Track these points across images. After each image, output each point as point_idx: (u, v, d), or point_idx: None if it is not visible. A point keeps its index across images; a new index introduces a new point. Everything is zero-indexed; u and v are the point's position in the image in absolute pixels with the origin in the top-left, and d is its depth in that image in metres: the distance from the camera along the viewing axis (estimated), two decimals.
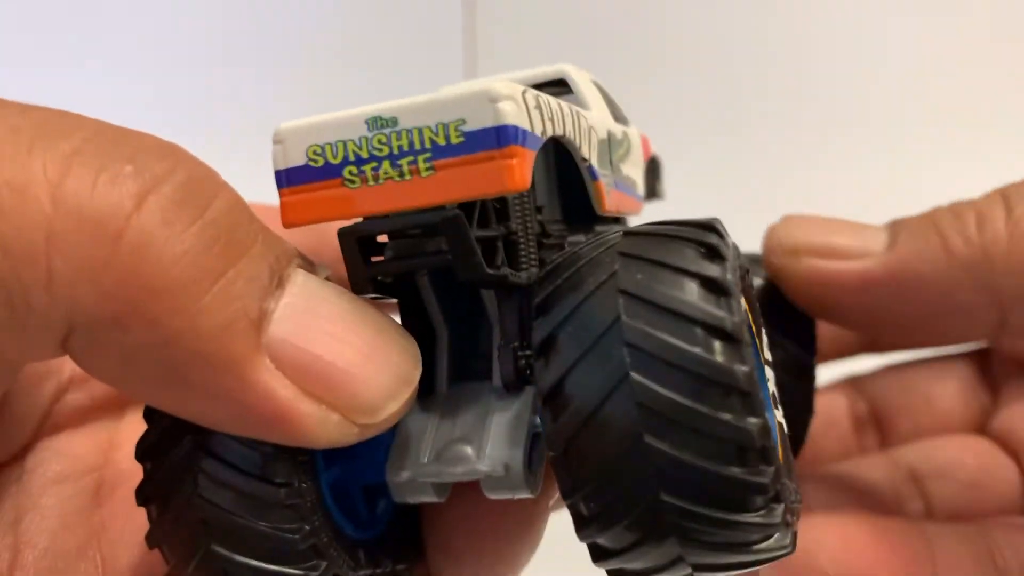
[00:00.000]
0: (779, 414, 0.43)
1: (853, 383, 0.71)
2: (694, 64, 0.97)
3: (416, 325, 0.45)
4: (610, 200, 0.50)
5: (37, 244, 0.32)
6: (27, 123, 0.34)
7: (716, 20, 1.01)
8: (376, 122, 0.39)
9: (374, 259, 0.42)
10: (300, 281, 0.39)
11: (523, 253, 0.44)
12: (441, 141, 0.38)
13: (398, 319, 0.46)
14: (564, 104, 0.44)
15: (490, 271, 0.40)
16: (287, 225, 0.40)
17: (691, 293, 0.35)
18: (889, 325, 0.59)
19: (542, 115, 0.41)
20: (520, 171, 0.38)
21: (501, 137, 0.37)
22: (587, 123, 0.47)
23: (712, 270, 0.36)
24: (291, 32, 1.00)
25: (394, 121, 0.39)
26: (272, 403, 0.36)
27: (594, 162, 0.48)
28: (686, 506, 0.34)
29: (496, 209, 0.43)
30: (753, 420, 0.34)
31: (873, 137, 1.00)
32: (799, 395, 0.61)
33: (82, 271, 0.33)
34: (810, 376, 0.62)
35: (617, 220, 0.53)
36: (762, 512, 0.34)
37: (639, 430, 0.34)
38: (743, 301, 0.41)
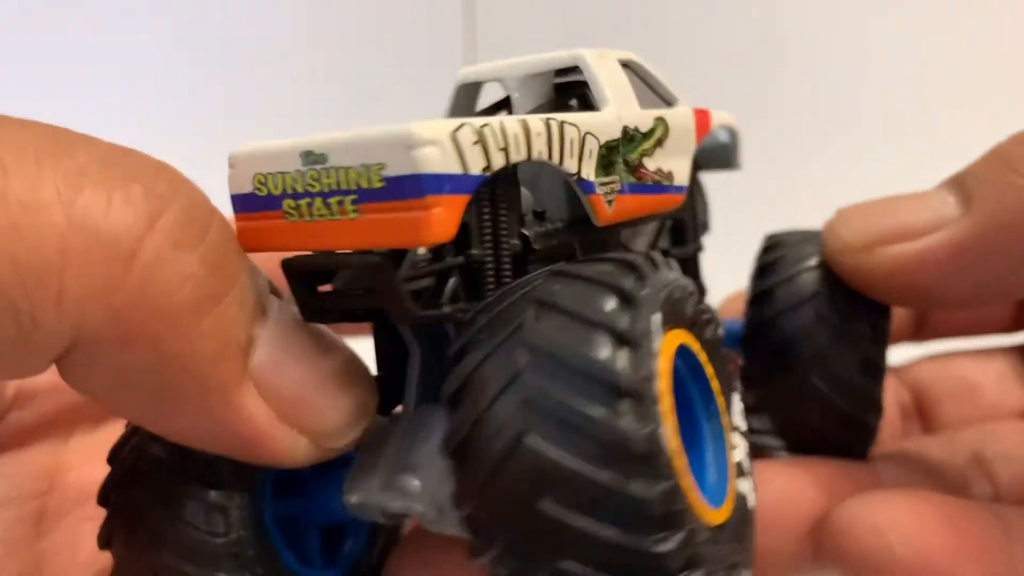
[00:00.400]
0: (744, 484, 0.39)
1: (894, 372, 0.68)
2: (697, 52, 0.92)
3: (389, 344, 0.45)
4: (616, 208, 0.46)
5: (51, 262, 0.32)
6: (31, 139, 0.34)
7: (720, 8, 0.97)
8: (308, 156, 0.37)
9: (321, 288, 0.41)
10: (276, 309, 0.39)
11: (490, 279, 0.41)
12: (364, 184, 0.36)
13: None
14: (536, 121, 0.40)
15: (424, 313, 0.38)
16: (244, 250, 0.40)
17: (595, 347, 0.32)
18: (984, 289, 0.53)
19: (486, 149, 0.37)
20: (441, 222, 0.35)
21: (419, 186, 0.35)
22: (579, 132, 0.43)
23: (622, 322, 0.33)
24: (287, 12, 0.99)
25: (323, 158, 0.37)
26: (252, 427, 0.37)
27: (590, 172, 0.44)
28: (588, 571, 0.32)
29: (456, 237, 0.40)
30: (655, 486, 0.31)
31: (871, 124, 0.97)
32: (870, 394, 0.56)
33: (94, 289, 0.32)
34: (881, 373, 0.57)
35: (636, 223, 0.49)
36: None
37: (535, 497, 0.32)
38: (699, 350, 0.37)
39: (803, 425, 0.56)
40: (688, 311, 0.38)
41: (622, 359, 0.32)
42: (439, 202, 0.35)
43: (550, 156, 0.41)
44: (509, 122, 0.39)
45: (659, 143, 0.50)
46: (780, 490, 0.52)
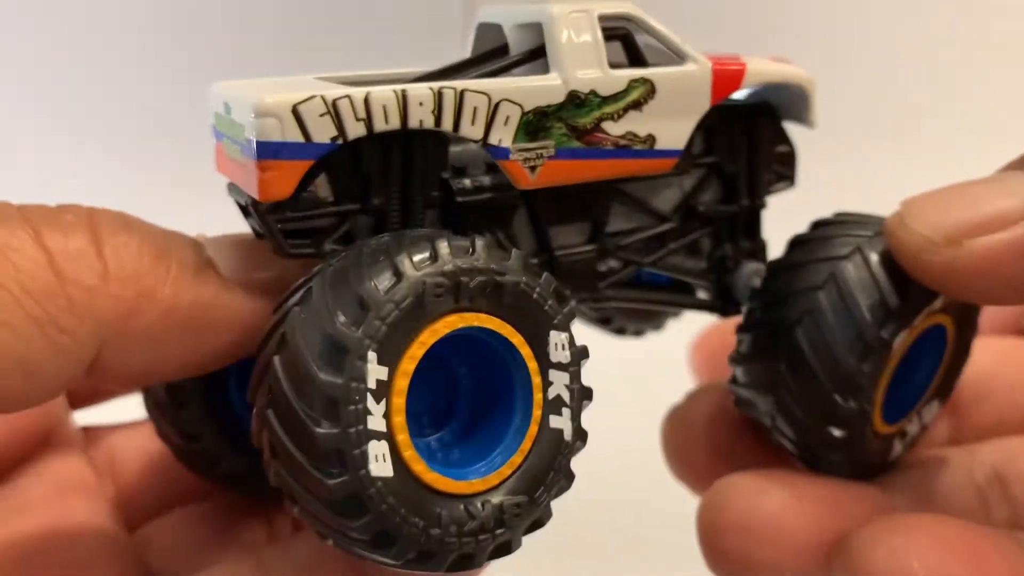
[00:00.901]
0: (559, 420, 0.43)
1: None
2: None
3: None
4: (544, 174, 0.47)
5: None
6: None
7: None
8: (226, 106, 0.45)
9: None
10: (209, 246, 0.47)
11: (395, 224, 0.46)
12: (239, 138, 0.43)
13: None
14: (421, 91, 0.43)
15: (297, 250, 0.44)
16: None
17: (318, 367, 0.38)
18: None
19: (339, 120, 0.41)
20: (272, 183, 0.41)
21: (253, 151, 0.41)
22: (489, 100, 0.44)
23: (343, 337, 0.38)
24: None
25: (228, 109, 0.44)
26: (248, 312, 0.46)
27: (503, 139, 0.45)
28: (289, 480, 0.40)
29: (360, 183, 0.45)
30: (331, 429, 0.38)
31: None
32: (853, 374, 0.50)
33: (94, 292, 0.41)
34: (879, 360, 0.51)
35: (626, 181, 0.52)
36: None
37: (266, 415, 0.40)
38: (487, 320, 0.41)
39: (785, 392, 0.52)
40: (463, 296, 0.40)
41: (336, 365, 0.38)
42: (271, 166, 0.41)
43: (438, 123, 0.44)
44: (378, 93, 0.42)
45: (634, 105, 0.48)
46: (783, 503, 0.51)
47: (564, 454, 0.44)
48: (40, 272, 0.39)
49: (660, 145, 0.50)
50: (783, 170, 0.59)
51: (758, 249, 0.59)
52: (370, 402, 0.38)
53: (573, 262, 0.52)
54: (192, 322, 0.43)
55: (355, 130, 0.42)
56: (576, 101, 0.47)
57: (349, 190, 0.45)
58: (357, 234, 0.46)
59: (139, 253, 0.42)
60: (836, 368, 0.50)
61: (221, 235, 0.47)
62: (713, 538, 0.52)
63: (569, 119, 0.47)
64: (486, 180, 0.49)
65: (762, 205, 0.58)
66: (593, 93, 0.47)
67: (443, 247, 0.40)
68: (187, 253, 0.44)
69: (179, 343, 0.43)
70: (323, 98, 0.41)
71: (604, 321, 0.67)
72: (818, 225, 0.55)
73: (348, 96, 0.42)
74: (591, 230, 0.53)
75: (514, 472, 0.43)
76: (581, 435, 0.44)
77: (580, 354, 0.44)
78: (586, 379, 0.45)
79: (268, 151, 0.41)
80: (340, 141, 0.42)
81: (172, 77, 0.83)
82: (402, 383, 0.39)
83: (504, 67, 0.49)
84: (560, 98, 0.47)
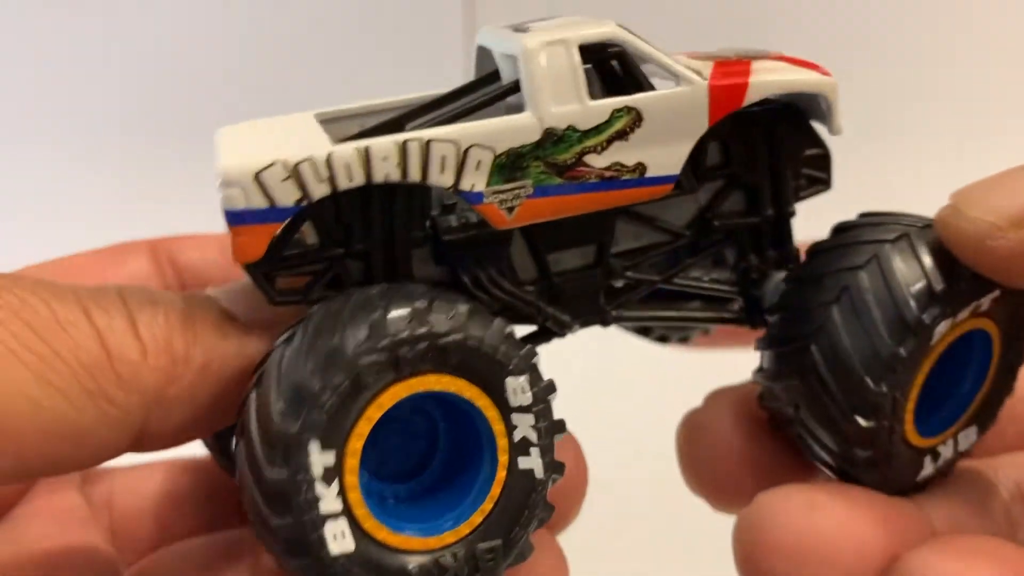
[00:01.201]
0: (528, 460, 0.44)
1: None
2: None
3: None
4: (522, 213, 0.46)
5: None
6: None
7: None
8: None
9: None
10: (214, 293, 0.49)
11: (377, 268, 0.47)
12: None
13: None
14: (385, 145, 0.43)
15: (283, 298, 0.46)
16: None
17: (266, 461, 0.41)
18: None
19: (301, 183, 0.42)
20: (244, 248, 0.43)
21: (228, 218, 0.43)
22: (457, 147, 0.44)
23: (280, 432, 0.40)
24: None
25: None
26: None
27: (476, 183, 0.45)
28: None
29: (344, 229, 0.46)
30: (284, 519, 0.40)
31: None
32: (864, 390, 0.48)
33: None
34: (894, 378, 0.48)
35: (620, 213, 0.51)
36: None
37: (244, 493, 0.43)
38: (437, 382, 0.42)
39: (814, 378, 0.50)
40: (403, 367, 0.41)
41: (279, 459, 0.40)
42: (241, 232, 0.43)
43: (404, 176, 0.44)
44: (340, 152, 0.43)
45: (620, 136, 0.47)
46: (840, 521, 0.49)
47: (538, 491, 0.45)
48: (93, 347, 0.42)
49: (652, 172, 0.48)
50: (816, 174, 0.55)
51: (788, 258, 0.56)
52: (319, 488, 0.40)
53: (575, 286, 0.52)
54: (224, 375, 0.46)
55: (319, 190, 0.43)
56: (553, 138, 0.46)
57: (334, 235, 0.46)
58: (347, 278, 0.47)
59: (167, 324, 0.44)
60: (871, 348, 0.47)
61: (231, 283, 0.50)
62: (757, 559, 0.49)
63: (547, 157, 0.46)
64: (473, 216, 0.49)
65: (790, 213, 0.55)
66: (571, 128, 0.46)
67: (382, 319, 0.41)
68: (207, 312, 0.46)
69: (215, 397, 0.46)
70: (284, 163, 0.42)
71: (644, 331, 0.66)
72: (840, 229, 0.52)
73: (310, 158, 0.43)
74: (595, 252, 0.52)
75: (486, 519, 0.44)
76: (555, 468, 0.45)
77: (545, 391, 0.44)
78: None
79: (236, 218, 0.43)
80: (305, 203, 0.43)
81: (179, 87, 0.86)
82: (352, 461, 0.41)
83: (493, 98, 0.49)
84: (535, 137, 0.46)
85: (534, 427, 0.44)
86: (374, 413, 0.41)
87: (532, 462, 0.44)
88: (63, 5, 0.84)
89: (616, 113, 0.47)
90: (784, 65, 0.51)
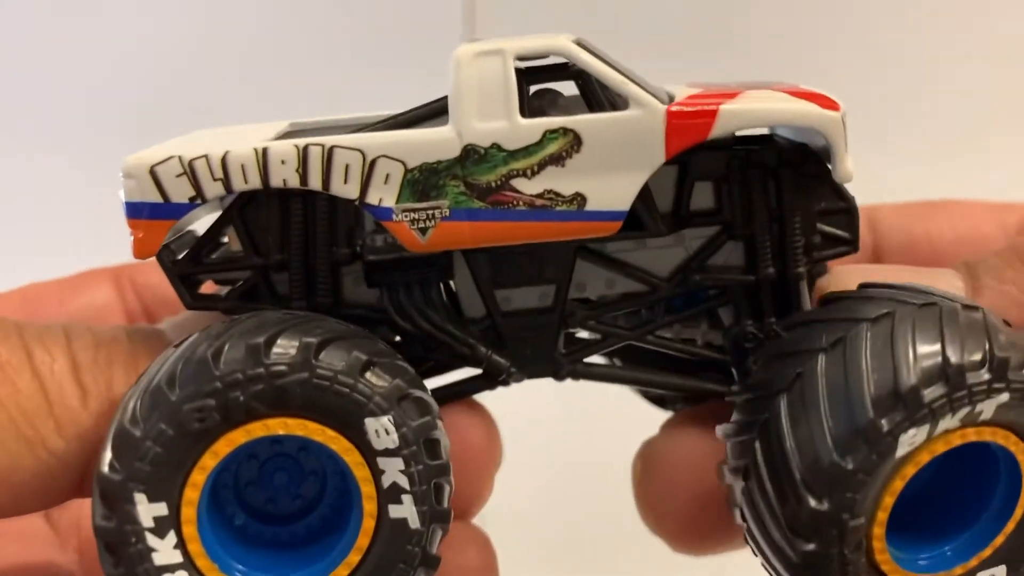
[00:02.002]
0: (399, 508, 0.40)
1: None
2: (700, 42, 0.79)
3: None
4: (439, 236, 0.42)
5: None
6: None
7: None
8: None
9: None
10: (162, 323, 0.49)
11: (296, 280, 0.45)
12: None
13: None
14: (284, 148, 0.41)
15: (199, 303, 0.45)
16: None
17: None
18: None
19: (195, 180, 0.41)
20: (141, 242, 0.42)
21: (125, 210, 0.42)
22: (363, 157, 0.41)
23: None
24: None
25: None
26: None
27: (385, 198, 0.42)
28: None
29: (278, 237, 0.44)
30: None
31: None
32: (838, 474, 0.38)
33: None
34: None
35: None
36: None
37: None
38: (296, 427, 0.39)
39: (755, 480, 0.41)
40: (236, 412, 0.38)
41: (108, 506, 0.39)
42: (138, 226, 0.42)
43: (304, 182, 0.41)
44: (236, 151, 0.41)
45: (554, 160, 0.42)
46: None
47: (414, 543, 0.40)
48: (34, 393, 0.41)
49: (593, 206, 0.42)
50: (836, 232, 0.46)
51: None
52: (151, 540, 0.38)
53: (522, 330, 0.46)
54: None
55: (213, 190, 0.42)
56: (474, 156, 0.42)
57: (257, 243, 0.45)
58: (262, 291, 0.45)
59: (109, 363, 0.43)
60: (812, 454, 0.38)
61: (181, 315, 0.49)
62: None
63: (468, 176, 0.42)
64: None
65: (798, 275, 0.46)
66: (496, 147, 0.42)
67: (215, 358, 0.38)
68: (152, 350, 0.44)
69: None
70: (180, 159, 0.41)
71: (659, 401, 0.58)
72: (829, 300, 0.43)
73: (206, 156, 0.41)
74: (553, 294, 0.47)
75: (353, 572, 0.40)
76: (439, 517, 0.40)
77: (418, 432, 0.39)
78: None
79: (133, 211, 0.42)
80: (199, 202, 0.42)
81: (167, 84, 0.87)
82: (189, 511, 0.38)
83: (435, 112, 0.45)
84: (454, 153, 0.42)
85: (404, 472, 0.39)
86: (209, 461, 0.38)
87: (405, 510, 0.40)
88: (63, 5, 0.89)
89: (549, 134, 0.42)
90: (777, 95, 0.43)
